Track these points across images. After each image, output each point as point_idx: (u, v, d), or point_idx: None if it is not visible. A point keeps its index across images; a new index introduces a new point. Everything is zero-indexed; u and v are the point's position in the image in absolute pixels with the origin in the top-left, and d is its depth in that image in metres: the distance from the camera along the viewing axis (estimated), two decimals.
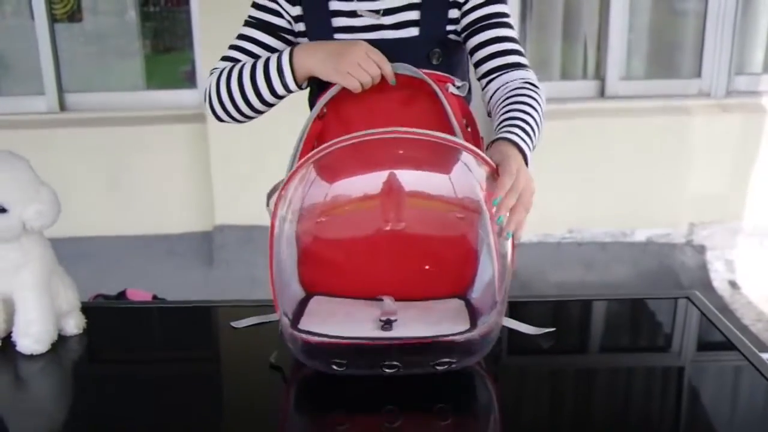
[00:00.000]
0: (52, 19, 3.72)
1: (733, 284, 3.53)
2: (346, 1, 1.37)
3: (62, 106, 3.77)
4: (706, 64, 3.74)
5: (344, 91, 1.27)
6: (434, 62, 1.35)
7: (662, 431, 1.16)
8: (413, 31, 1.36)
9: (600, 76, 3.79)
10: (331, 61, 1.28)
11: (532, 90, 1.32)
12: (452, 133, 1.21)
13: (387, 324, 1.17)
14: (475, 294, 1.24)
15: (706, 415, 1.17)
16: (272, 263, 1.20)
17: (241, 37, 1.44)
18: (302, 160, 1.17)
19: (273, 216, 1.19)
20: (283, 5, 1.41)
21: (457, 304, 1.25)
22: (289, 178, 1.17)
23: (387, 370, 1.16)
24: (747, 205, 3.75)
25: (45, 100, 3.74)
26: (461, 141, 1.18)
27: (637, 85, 3.81)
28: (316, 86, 1.44)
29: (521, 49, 1.39)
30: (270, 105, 1.40)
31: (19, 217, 1.27)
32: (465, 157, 1.17)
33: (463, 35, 1.40)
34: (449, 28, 1.38)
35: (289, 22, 1.42)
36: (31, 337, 1.30)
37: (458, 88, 1.29)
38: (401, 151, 1.17)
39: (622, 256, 3.71)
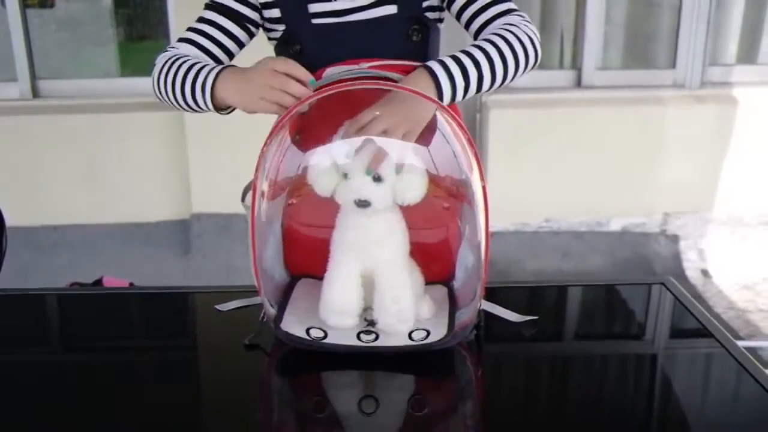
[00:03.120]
0: (24, 5, 3.67)
1: (705, 273, 3.57)
2: None
3: (35, 93, 3.72)
4: (680, 55, 3.77)
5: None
6: (414, 39, 1.35)
7: (639, 416, 1.17)
8: (391, 9, 1.35)
9: (576, 66, 3.81)
10: (242, 91, 1.21)
11: (506, 27, 1.30)
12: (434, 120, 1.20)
13: (370, 325, 1.19)
14: (457, 282, 1.25)
15: (683, 401, 1.18)
16: (254, 243, 1.20)
17: (201, 19, 1.39)
18: (278, 122, 1.16)
19: (252, 191, 1.19)
20: None
21: (440, 292, 1.26)
22: (266, 144, 1.17)
23: (365, 337, 1.18)
24: (720, 195, 3.80)
25: (17, 86, 3.69)
26: (433, 97, 1.17)
27: (613, 76, 3.84)
28: None
29: (514, 6, 1.37)
30: (205, 110, 1.33)
31: (392, 187, 1.17)
32: (441, 125, 1.17)
33: (454, 10, 1.39)
34: (425, 4, 1.37)
35: (255, 8, 1.39)
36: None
37: None
38: (377, 113, 1.16)
39: (597, 245, 3.74)
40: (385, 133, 1.14)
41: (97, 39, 4.09)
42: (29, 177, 3.60)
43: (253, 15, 1.39)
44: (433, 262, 1.26)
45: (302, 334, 1.19)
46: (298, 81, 1.17)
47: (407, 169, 1.16)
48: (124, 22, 4.06)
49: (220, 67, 1.27)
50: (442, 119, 1.17)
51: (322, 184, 1.16)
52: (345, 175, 1.14)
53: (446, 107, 1.17)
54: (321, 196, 1.18)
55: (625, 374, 1.28)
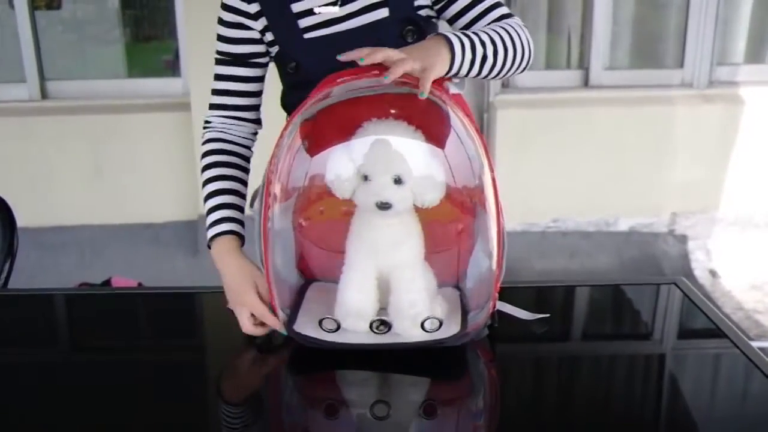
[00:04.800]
0: (32, 7, 3.68)
1: (713, 273, 3.56)
2: (303, 0, 1.35)
3: (44, 94, 3.73)
4: (688, 55, 3.76)
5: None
6: (409, 40, 1.33)
7: (653, 417, 1.17)
8: (383, 12, 1.34)
9: (584, 65, 3.80)
10: (228, 292, 1.33)
11: (503, 25, 1.30)
12: (444, 130, 1.18)
13: (382, 325, 1.18)
14: (470, 284, 1.25)
15: (697, 401, 1.18)
16: (266, 249, 1.19)
17: (218, 77, 1.43)
18: (288, 122, 1.17)
19: (265, 197, 1.19)
20: (246, 24, 1.38)
21: (451, 294, 1.26)
22: (277, 145, 1.17)
23: (377, 331, 1.18)
24: (728, 195, 3.79)
25: (26, 87, 3.70)
26: (448, 101, 1.16)
27: (621, 75, 3.83)
28: (288, 89, 1.44)
29: (501, 2, 1.38)
30: None
31: (412, 190, 1.16)
32: (455, 122, 1.16)
33: (438, 6, 1.38)
34: (418, 3, 1.36)
35: (258, 41, 1.39)
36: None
37: (456, 84, 1.26)
38: (392, 112, 1.15)
39: (605, 245, 3.73)
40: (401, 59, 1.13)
41: (104, 40, 4.10)
42: (38, 178, 3.61)
43: (259, 49, 1.41)
44: (444, 265, 1.26)
45: (315, 334, 1.19)
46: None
47: (426, 170, 1.15)
48: (131, 23, 4.07)
49: (217, 231, 1.35)
50: (454, 117, 1.17)
51: (341, 186, 1.16)
52: (365, 177, 1.14)
53: (452, 95, 1.17)
54: (332, 220, 1.20)
55: (638, 374, 1.28)
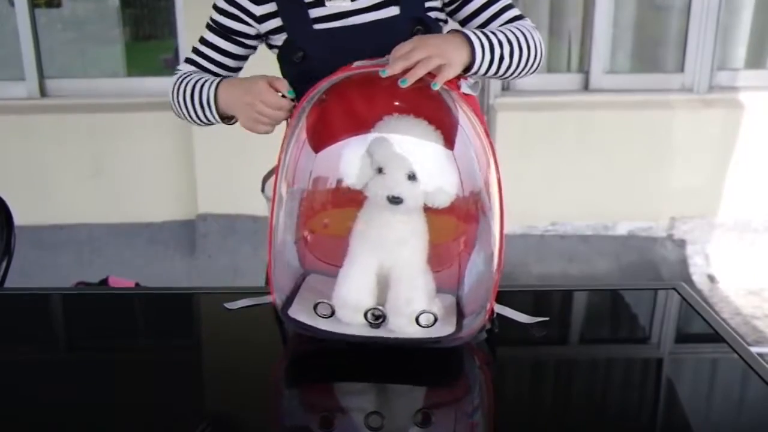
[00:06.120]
0: (32, 5, 3.67)
1: (712, 278, 3.56)
2: None
3: (43, 92, 3.72)
4: (689, 59, 3.76)
5: (347, 79, 1.21)
6: None
7: (653, 422, 1.16)
8: (394, 10, 1.35)
9: (584, 69, 3.80)
10: (241, 100, 1.29)
11: (518, 26, 1.32)
12: (455, 129, 1.18)
13: (377, 319, 1.18)
14: (466, 288, 1.24)
15: (696, 406, 1.18)
16: (271, 234, 1.19)
17: (202, 41, 1.46)
18: (300, 103, 1.18)
19: (274, 183, 1.19)
20: (245, 6, 1.40)
21: (448, 300, 1.25)
22: (285, 136, 1.18)
23: (372, 322, 1.18)
24: (727, 200, 3.78)
25: (25, 85, 3.69)
26: (456, 96, 1.16)
27: (621, 79, 3.83)
28: (291, 84, 1.44)
29: (513, 4, 1.40)
30: (217, 122, 1.43)
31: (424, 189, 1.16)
32: (464, 122, 1.16)
33: (451, 8, 1.40)
34: (428, 4, 1.37)
35: (251, 25, 1.41)
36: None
37: (470, 86, 1.25)
38: (396, 109, 1.16)
39: (603, 249, 3.73)
40: (420, 62, 1.13)
41: (104, 39, 4.10)
42: (36, 176, 3.61)
43: (251, 30, 1.43)
44: (444, 273, 1.25)
45: (310, 321, 1.19)
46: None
47: (440, 171, 1.15)
48: (131, 22, 4.07)
49: (218, 80, 1.36)
50: (463, 116, 1.16)
51: (354, 177, 1.16)
52: (379, 170, 1.14)
53: (462, 93, 1.16)
54: (337, 237, 1.20)
55: (636, 379, 1.27)
